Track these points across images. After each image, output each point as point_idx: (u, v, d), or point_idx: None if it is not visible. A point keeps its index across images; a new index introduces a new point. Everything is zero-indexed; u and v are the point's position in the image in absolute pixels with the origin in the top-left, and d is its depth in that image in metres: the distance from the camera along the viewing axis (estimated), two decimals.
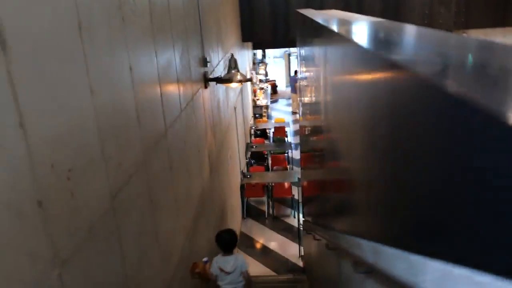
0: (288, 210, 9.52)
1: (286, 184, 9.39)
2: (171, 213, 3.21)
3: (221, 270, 3.43)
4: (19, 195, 1.29)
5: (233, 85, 5.07)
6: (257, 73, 18.08)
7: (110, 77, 2.08)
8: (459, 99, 0.73)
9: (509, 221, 0.60)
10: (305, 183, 6.60)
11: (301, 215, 7.51)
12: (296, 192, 9.29)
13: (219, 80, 4.97)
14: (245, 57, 13.09)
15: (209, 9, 5.66)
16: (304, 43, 5.50)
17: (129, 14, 2.39)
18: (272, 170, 10.57)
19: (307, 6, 9.42)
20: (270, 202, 9.41)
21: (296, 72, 15.51)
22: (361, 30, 2.66)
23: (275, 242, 8.31)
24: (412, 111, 1.03)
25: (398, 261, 1.08)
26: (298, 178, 9.21)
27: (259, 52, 22.30)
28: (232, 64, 4.98)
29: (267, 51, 24.64)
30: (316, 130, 4.58)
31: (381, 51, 1.45)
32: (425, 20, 9.83)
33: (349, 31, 2.62)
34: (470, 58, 1.23)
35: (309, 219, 5.31)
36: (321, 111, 4.01)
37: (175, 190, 3.36)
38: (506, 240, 0.61)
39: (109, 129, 2.03)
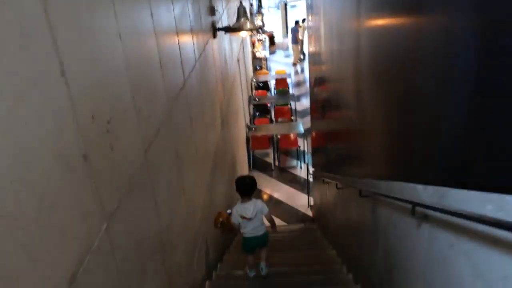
0: (294, 161, 9.54)
1: (292, 136, 9.36)
2: (193, 167, 3.17)
3: (243, 217, 3.40)
4: (66, 148, 1.22)
5: (243, 34, 4.88)
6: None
7: (135, 24, 1.96)
8: None
9: None
10: (314, 133, 6.54)
11: (310, 166, 7.52)
12: (302, 143, 9.28)
13: (228, 29, 4.78)
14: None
15: None
16: None
17: None
18: (276, 122, 10.50)
19: None
20: (276, 154, 9.42)
21: (297, 22, 15.06)
22: None
23: (283, 193, 8.38)
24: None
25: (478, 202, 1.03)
26: (304, 129, 9.19)
27: (254, 2, 21.53)
28: (241, 13, 4.76)
29: (263, 1, 23.78)
30: (329, 79, 4.46)
31: None
32: None
33: None
34: None
35: (323, 168, 5.30)
36: (333, 59, 3.88)
37: (195, 142, 3.30)
38: None
39: (138, 79, 1.93)
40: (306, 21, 11.48)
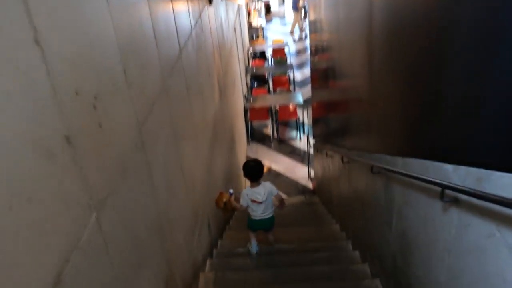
0: (294, 133, 9.38)
1: (291, 107, 9.15)
2: (191, 142, 3.00)
3: (254, 201, 3.32)
4: (45, 130, 1.04)
5: (240, 0, 4.59)
6: None
7: None
8: None
9: None
10: (316, 104, 6.33)
11: (310, 137, 7.36)
12: (301, 114, 9.09)
13: None
14: None
15: None
16: None
17: None
18: (274, 92, 10.26)
19: None
20: (275, 125, 9.23)
21: None
22: None
23: (282, 165, 8.25)
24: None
25: None
26: (303, 99, 8.97)
27: None
28: None
29: None
30: (332, 47, 4.23)
31: None
32: None
33: None
34: None
35: (326, 140, 5.13)
36: (339, 27, 3.65)
37: (193, 116, 3.11)
38: None
39: (129, 49, 1.73)
40: None
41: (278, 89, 10.27)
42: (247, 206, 3.36)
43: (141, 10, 1.97)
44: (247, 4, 14.42)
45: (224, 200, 3.81)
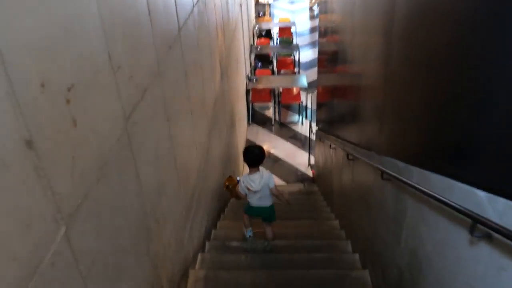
0: (296, 117, 9.15)
1: (295, 90, 8.89)
2: (187, 130, 2.78)
3: (249, 189, 3.20)
4: None
5: None
6: None
7: None
8: None
9: None
10: (322, 89, 6.07)
11: (313, 124, 7.13)
12: (304, 98, 8.84)
13: None
14: None
15: None
16: None
17: None
18: (278, 73, 9.98)
19: None
20: (277, 108, 8.99)
21: None
22: None
23: (282, 150, 8.05)
24: None
25: None
26: (308, 82, 8.71)
27: None
28: None
29: None
30: (344, 29, 3.97)
31: None
32: None
33: None
34: None
35: (330, 130, 4.91)
36: (353, 9, 3.39)
37: (190, 102, 2.89)
38: None
39: (116, 26, 1.50)
40: None
41: (282, 70, 9.98)
42: (246, 194, 3.26)
43: None
44: None
45: (227, 183, 3.85)
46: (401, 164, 1.92)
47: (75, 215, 1.16)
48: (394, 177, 1.83)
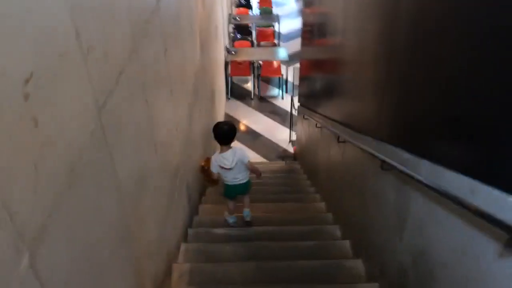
0: (276, 91, 8.92)
1: (275, 63, 8.62)
2: (168, 112, 2.54)
3: (222, 167, 3.09)
4: None
5: None
6: None
7: None
8: None
9: None
10: (306, 63, 5.83)
11: (295, 98, 6.92)
12: (285, 71, 8.59)
13: None
14: None
15: None
16: None
17: None
18: (258, 45, 9.65)
19: None
20: (256, 82, 8.73)
21: None
22: None
23: (262, 125, 7.85)
24: None
25: None
26: (289, 54, 8.46)
27: None
28: None
29: None
30: None
31: None
32: None
33: None
34: None
35: (314, 106, 4.72)
36: None
37: (170, 80, 2.63)
38: None
39: (86, 2, 1.24)
40: None
41: (262, 42, 9.66)
42: (219, 173, 3.17)
43: None
44: None
45: (203, 164, 3.63)
46: (405, 155, 1.75)
47: (41, 236, 0.94)
48: (403, 172, 1.66)
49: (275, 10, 11.50)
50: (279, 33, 10.20)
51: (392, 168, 1.83)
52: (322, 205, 3.84)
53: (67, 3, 1.10)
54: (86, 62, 1.22)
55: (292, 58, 8.54)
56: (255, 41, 9.84)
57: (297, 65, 7.63)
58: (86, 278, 1.20)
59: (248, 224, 3.38)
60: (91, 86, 1.26)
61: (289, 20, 11.53)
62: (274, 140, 7.42)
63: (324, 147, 4.00)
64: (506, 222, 1.02)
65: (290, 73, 8.64)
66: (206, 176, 3.46)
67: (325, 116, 3.73)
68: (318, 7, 4.64)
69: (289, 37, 10.62)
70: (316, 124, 4.12)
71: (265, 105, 8.49)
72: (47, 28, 0.99)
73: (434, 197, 1.55)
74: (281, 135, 7.49)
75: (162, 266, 2.28)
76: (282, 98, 8.60)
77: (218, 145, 3.20)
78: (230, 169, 3.07)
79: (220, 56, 7.62)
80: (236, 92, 8.84)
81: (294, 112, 6.94)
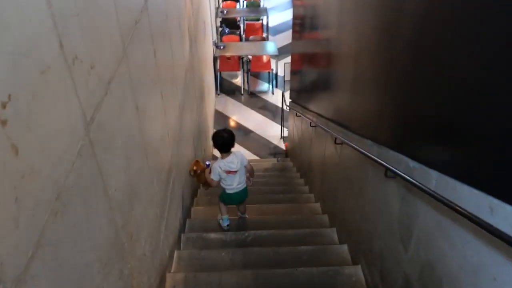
0: (266, 85, 8.82)
1: (265, 57, 8.51)
2: (158, 119, 2.43)
3: (229, 172, 3.11)
4: None
5: None
6: None
7: None
8: None
9: None
10: (297, 57, 5.73)
11: (286, 94, 6.82)
12: (274, 65, 8.49)
13: None
14: None
15: None
16: None
17: None
18: (247, 40, 9.52)
19: None
20: (246, 77, 8.61)
21: None
22: None
23: (252, 121, 7.76)
24: None
25: None
26: (278, 48, 8.34)
27: None
28: None
29: None
30: None
31: None
32: None
33: None
34: None
35: (307, 103, 4.63)
36: None
37: (161, 84, 2.52)
38: None
39: (68, 4, 1.13)
40: None
41: (251, 36, 9.53)
42: (219, 180, 3.16)
43: None
44: None
45: (195, 168, 3.60)
46: (411, 163, 1.68)
47: (24, 275, 0.84)
48: (413, 184, 1.58)
49: (263, 3, 11.35)
50: (267, 26, 10.06)
51: (397, 175, 1.76)
52: (317, 205, 3.77)
53: (49, 10, 0.99)
54: (71, 75, 1.11)
55: (281, 51, 8.43)
56: (243, 36, 9.70)
57: (288, 59, 7.53)
58: None
59: (243, 220, 3.43)
60: (77, 101, 1.15)
61: (277, 12, 11.40)
62: (265, 136, 7.33)
63: (319, 146, 3.92)
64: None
65: (280, 68, 8.54)
66: (198, 180, 3.40)
67: (319, 115, 3.65)
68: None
69: (278, 30, 10.50)
70: (310, 123, 4.03)
71: (255, 100, 8.38)
72: (25, 40, 0.88)
73: (443, 210, 1.48)
74: (272, 131, 7.40)
75: (156, 277, 2.19)
76: (273, 93, 8.51)
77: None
78: (236, 171, 3.11)
79: (209, 52, 7.48)
80: (225, 88, 8.71)
81: (285, 108, 6.86)
